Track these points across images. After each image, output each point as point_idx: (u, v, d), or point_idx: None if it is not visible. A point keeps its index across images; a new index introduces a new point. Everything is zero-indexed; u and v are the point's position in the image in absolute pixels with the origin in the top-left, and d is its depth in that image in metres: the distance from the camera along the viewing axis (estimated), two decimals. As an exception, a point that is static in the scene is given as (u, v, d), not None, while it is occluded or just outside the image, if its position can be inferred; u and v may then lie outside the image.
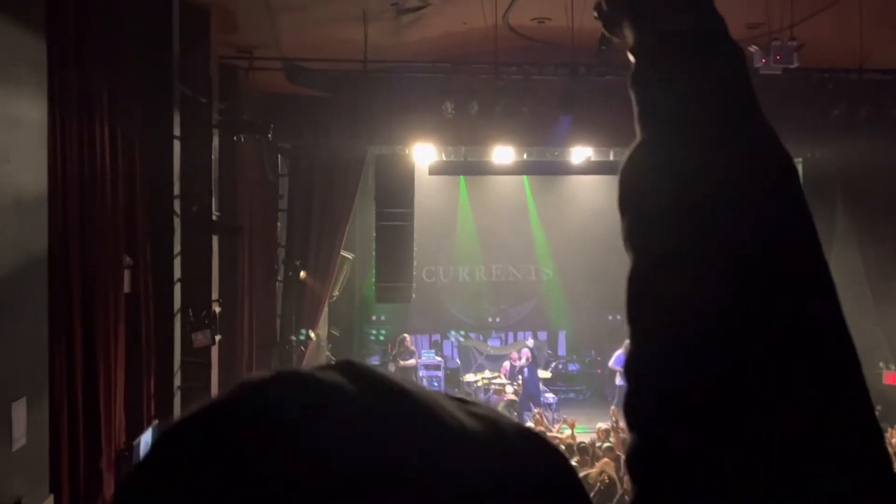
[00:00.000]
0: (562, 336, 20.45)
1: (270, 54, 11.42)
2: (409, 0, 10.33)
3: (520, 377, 17.14)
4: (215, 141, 10.09)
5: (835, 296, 0.81)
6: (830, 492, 0.65)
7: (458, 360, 19.49)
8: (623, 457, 7.27)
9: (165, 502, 0.52)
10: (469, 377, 18.09)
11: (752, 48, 10.13)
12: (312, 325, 14.47)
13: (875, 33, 10.64)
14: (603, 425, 13.05)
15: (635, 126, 0.84)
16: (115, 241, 7.21)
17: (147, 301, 8.08)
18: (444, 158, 15.86)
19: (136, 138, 7.83)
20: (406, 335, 17.38)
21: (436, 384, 18.15)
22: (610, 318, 19.81)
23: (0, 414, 4.95)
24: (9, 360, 5.06)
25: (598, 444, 12.06)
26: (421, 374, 17.78)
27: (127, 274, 7.59)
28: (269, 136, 11.62)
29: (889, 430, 13.50)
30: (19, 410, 5.13)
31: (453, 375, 18.98)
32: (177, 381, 8.84)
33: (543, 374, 18.11)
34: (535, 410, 15.22)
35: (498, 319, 19.85)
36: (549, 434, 12.41)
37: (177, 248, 8.76)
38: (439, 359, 18.68)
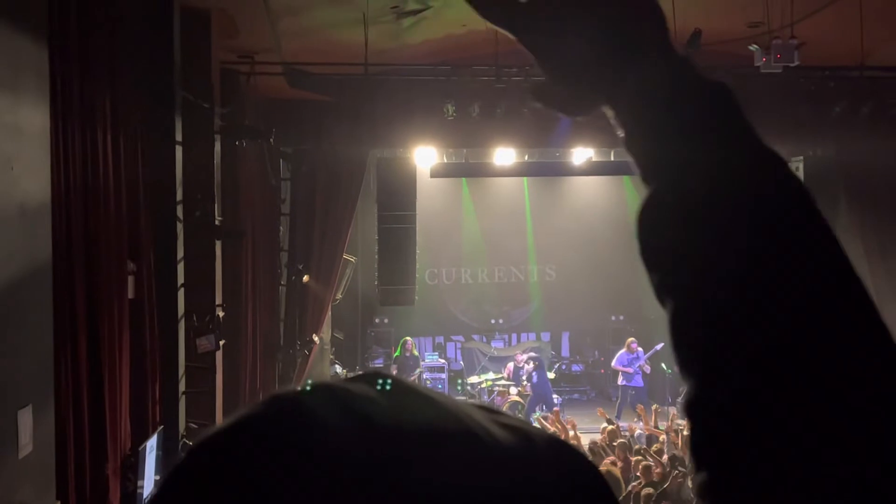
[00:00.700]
0: (565, 337, 20.46)
1: (271, 59, 11.44)
2: (408, 3, 10.35)
3: (527, 383, 17.11)
4: (217, 146, 10.10)
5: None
6: None
7: (461, 363, 19.50)
8: (635, 459, 7.25)
9: None
10: (473, 379, 18.10)
11: (753, 47, 10.14)
12: (316, 328, 14.48)
13: (875, 31, 10.64)
14: (609, 426, 13.06)
15: (642, 180, 0.84)
16: (118, 248, 7.22)
17: (151, 307, 8.09)
18: (446, 161, 15.87)
19: (139, 144, 7.84)
20: (408, 338, 17.37)
21: (440, 386, 18.17)
22: (612, 318, 19.82)
23: (6, 422, 4.96)
24: (14, 368, 5.07)
25: (603, 445, 12.07)
26: (424, 377, 17.79)
27: (131, 280, 7.60)
28: (271, 140, 11.63)
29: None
30: (25, 418, 5.14)
31: (457, 377, 19.00)
32: (182, 387, 8.85)
33: (548, 375, 18.13)
34: (553, 411, 15.16)
35: (501, 321, 19.86)
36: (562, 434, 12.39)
37: (180, 254, 8.78)
38: (443, 361, 18.69)
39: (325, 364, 16.04)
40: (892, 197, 14.67)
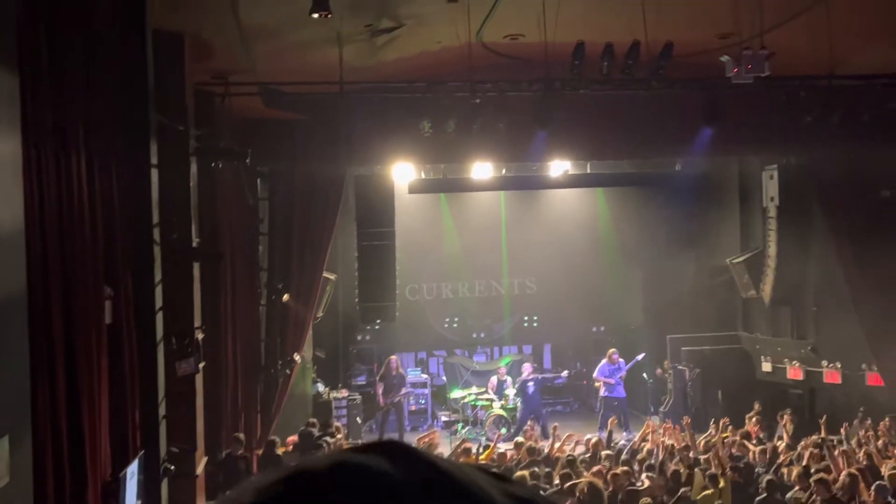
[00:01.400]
0: (547, 349, 20.48)
1: (246, 79, 11.44)
2: (382, 22, 10.38)
3: (517, 397, 17.11)
4: (193, 168, 10.08)
5: None
6: None
7: (444, 378, 19.48)
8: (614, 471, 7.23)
9: None
10: (456, 394, 18.08)
11: (724, 58, 10.24)
12: (297, 347, 14.43)
13: (844, 40, 10.77)
14: (593, 438, 13.08)
15: None
16: (94, 273, 7.18)
17: (129, 331, 8.05)
18: (424, 177, 15.92)
19: (114, 168, 7.81)
20: (392, 357, 17.30)
21: (423, 402, 18.14)
22: (594, 329, 19.88)
23: (-17, 453, 4.91)
24: (-9, 397, 5.03)
25: (587, 456, 12.08)
26: (408, 392, 17.76)
27: (108, 305, 7.56)
28: (247, 161, 11.62)
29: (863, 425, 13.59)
30: (2, 450, 5.10)
31: (440, 392, 18.97)
32: (162, 411, 8.79)
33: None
34: (528, 425, 15.17)
35: (483, 335, 19.85)
36: (538, 448, 12.41)
37: (158, 277, 8.74)
38: (425, 376, 18.66)
39: (307, 383, 15.98)
40: (864, 203, 14.83)
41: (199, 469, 10.08)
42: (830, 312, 15.78)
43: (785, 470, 11.05)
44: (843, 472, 9.96)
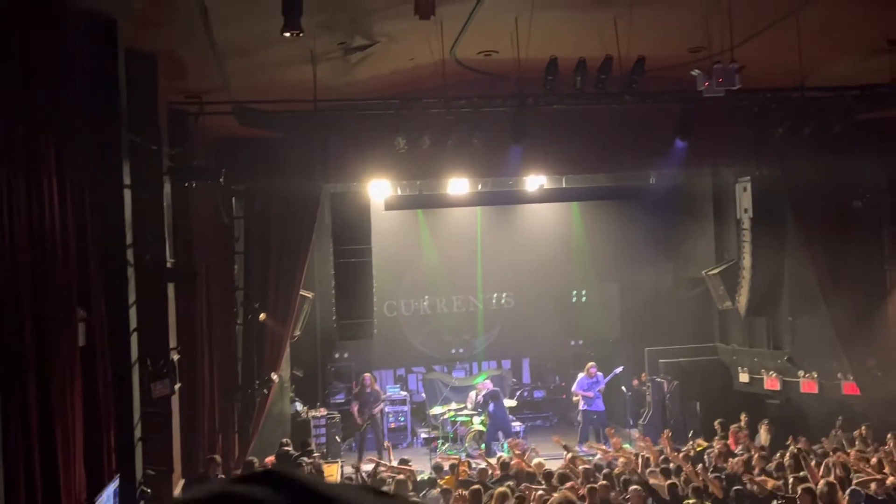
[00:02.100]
0: (525, 364, 20.47)
1: (220, 98, 11.40)
2: (355, 39, 10.39)
3: (483, 412, 17.09)
4: (167, 187, 10.03)
5: None
6: None
7: (423, 394, 19.42)
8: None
9: None
10: (435, 410, 18.03)
11: (695, 72, 10.32)
12: (274, 366, 14.35)
13: (813, 52, 10.89)
14: (569, 453, 13.06)
15: None
16: (67, 295, 7.11)
17: (103, 353, 7.97)
18: (400, 193, 15.91)
19: (86, 189, 7.75)
20: (367, 374, 17.21)
21: (402, 419, 18.07)
22: (572, 343, 19.90)
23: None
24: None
25: (565, 471, 12.05)
26: (387, 410, 17.68)
27: (81, 327, 7.49)
28: (222, 180, 11.57)
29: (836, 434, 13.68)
30: (-27, 475, 5.02)
31: (419, 409, 18.91)
32: (137, 433, 8.70)
33: (509, 402, 18.10)
34: (510, 440, 15.10)
35: (461, 350, 19.81)
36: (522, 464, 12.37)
37: (132, 298, 8.66)
38: (404, 393, 18.60)
39: (284, 402, 15.88)
40: (837, 213, 14.98)
41: (176, 491, 9.97)
42: (806, 322, 15.90)
43: (758, 480, 11.07)
44: (822, 482, 10.01)
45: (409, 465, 12.76)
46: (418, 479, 12.49)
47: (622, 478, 11.18)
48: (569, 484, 10.72)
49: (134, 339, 8.67)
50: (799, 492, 9.79)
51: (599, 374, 17.21)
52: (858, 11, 10.02)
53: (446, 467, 12.48)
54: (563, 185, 16.50)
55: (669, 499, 10.51)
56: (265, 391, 14.16)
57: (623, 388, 18.20)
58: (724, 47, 10.29)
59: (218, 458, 11.71)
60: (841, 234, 14.91)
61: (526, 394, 19.78)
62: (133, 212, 8.75)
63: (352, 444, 17.05)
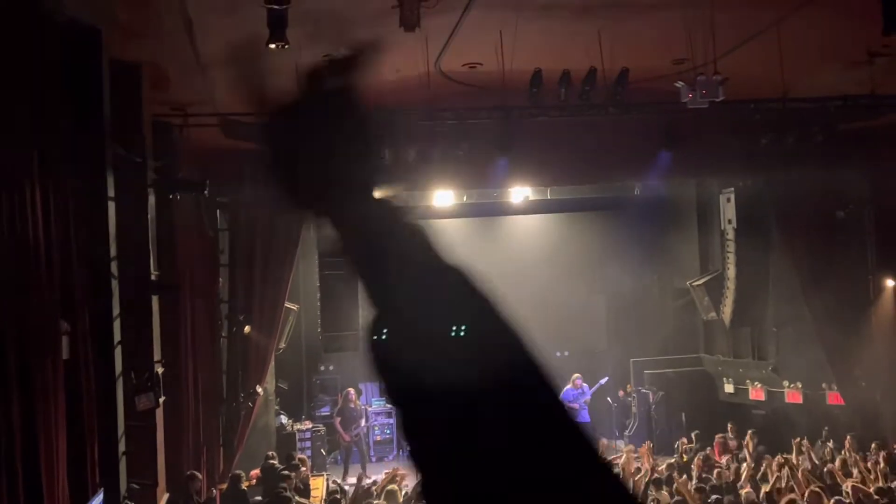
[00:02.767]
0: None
1: (205, 110, 11.38)
2: (340, 51, 10.39)
3: None
4: (151, 199, 9.99)
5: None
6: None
7: (409, 406, 19.34)
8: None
9: None
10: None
11: (679, 84, 10.38)
12: (259, 379, 14.28)
13: (795, 64, 10.97)
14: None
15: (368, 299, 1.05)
16: (50, 308, 7.05)
17: (87, 366, 7.90)
18: (385, 205, 15.88)
19: (70, 202, 7.70)
20: (351, 389, 17.10)
21: (388, 432, 17.99)
22: (557, 354, 19.88)
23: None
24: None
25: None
26: (372, 423, 17.60)
27: (65, 340, 7.42)
28: (206, 192, 11.53)
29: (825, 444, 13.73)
30: (-45, 489, 4.96)
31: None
32: (122, 447, 8.63)
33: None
34: None
35: (447, 362, 19.77)
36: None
37: (116, 311, 8.60)
38: (390, 406, 18.49)
39: (269, 415, 15.80)
40: (820, 223, 15.06)
41: (161, 505, 9.91)
42: (790, 332, 15.97)
43: (744, 490, 11.10)
44: (807, 490, 10.05)
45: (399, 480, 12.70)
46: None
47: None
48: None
49: (118, 352, 8.61)
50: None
51: (585, 385, 17.22)
52: (838, 23, 10.10)
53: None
54: (548, 197, 16.55)
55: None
56: (250, 404, 14.08)
57: (609, 399, 18.21)
58: (708, 59, 10.36)
59: (198, 473, 11.58)
60: (824, 245, 14.99)
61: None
62: (117, 224, 8.71)
63: (337, 458, 16.96)
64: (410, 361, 1.01)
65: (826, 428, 14.81)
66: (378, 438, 17.85)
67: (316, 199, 1.07)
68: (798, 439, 13.87)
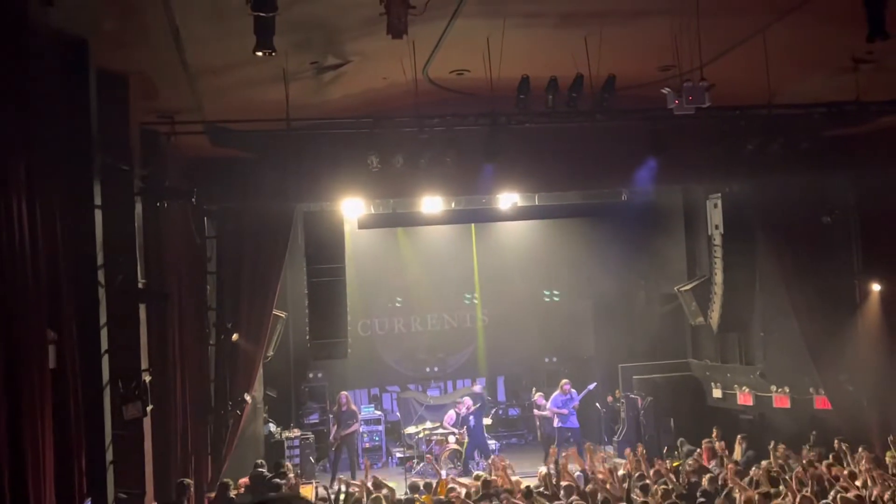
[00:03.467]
0: (500, 381, 20.48)
1: (192, 118, 11.36)
2: (328, 58, 10.40)
3: (464, 427, 17.08)
4: (138, 208, 9.95)
5: None
6: None
7: (398, 414, 19.35)
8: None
9: None
10: (410, 429, 17.96)
11: (665, 90, 10.41)
12: (247, 387, 14.24)
13: (781, 70, 11.04)
14: (544, 470, 13.05)
15: None
16: (37, 317, 7.03)
17: (74, 375, 7.87)
18: (374, 212, 15.91)
19: (57, 210, 7.68)
20: (344, 393, 17.14)
21: (377, 439, 17.99)
22: (546, 360, 19.94)
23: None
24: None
25: (540, 489, 12.05)
26: (362, 430, 17.59)
27: (52, 349, 7.39)
28: (194, 200, 11.51)
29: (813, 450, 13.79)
30: (-58, 500, 4.93)
31: (394, 429, 18.84)
32: (109, 456, 8.59)
33: (485, 421, 18.08)
34: (493, 459, 14.99)
35: (436, 369, 19.80)
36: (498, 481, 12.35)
37: (103, 319, 8.57)
38: (379, 413, 18.53)
39: (258, 423, 15.76)
40: (806, 229, 15.14)
41: (149, 514, 9.86)
42: (777, 337, 16.04)
43: (737, 496, 11.13)
44: (798, 496, 10.09)
45: (388, 484, 12.71)
46: (396, 497, 12.44)
47: (599, 496, 11.17)
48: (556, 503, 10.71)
49: (105, 360, 8.57)
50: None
51: (573, 391, 17.26)
52: (823, 30, 10.17)
53: (422, 486, 12.44)
54: (536, 203, 16.59)
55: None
56: (238, 412, 14.05)
57: (597, 404, 18.25)
58: (694, 66, 10.40)
59: (188, 480, 11.55)
60: (810, 250, 15.08)
61: (501, 412, 19.78)
62: (104, 232, 8.68)
63: (325, 465, 16.94)
64: None
65: (814, 432, 14.88)
66: (367, 445, 17.84)
67: None
68: (772, 444, 13.95)
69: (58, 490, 7.29)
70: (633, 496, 11.20)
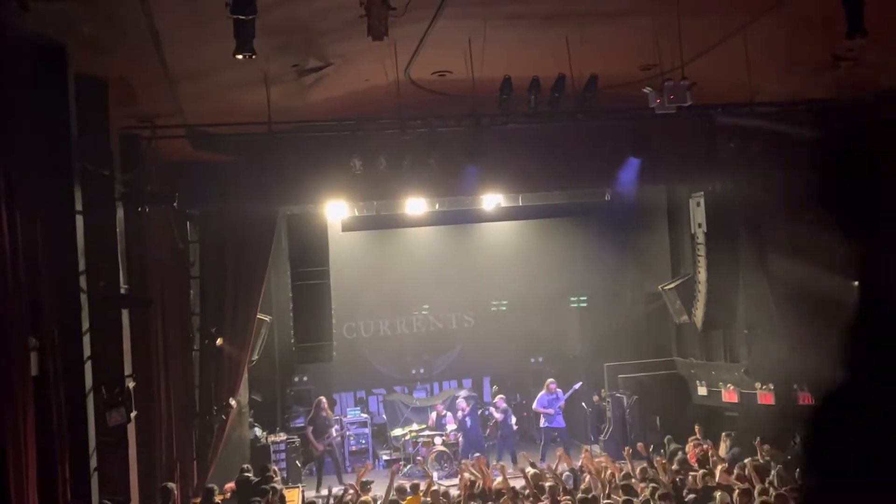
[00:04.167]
0: (486, 382, 20.47)
1: (173, 122, 11.30)
2: (309, 61, 10.37)
3: (457, 430, 17.07)
4: (120, 213, 9.90)
5: None
6: None
7: (384, 416, 19.31)
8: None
9: None
10: (397, 431, 17.93)
11: (647, 89, 10.45)
12: (232, 392, 14.18)
13: (761, 69, 11.09)
14: (532, 470, 13.05)
15: None
16: (19, 324, 6.96)
17: (57, 383, 7.80)
18: (357, 214, 15.88)
19: (37, 217, 7.61)
20: (322, 398, 17.01)
21: (363, 442, 17.94)
22: (532, 360, 19.95)
23: None
24: None
25: (525, 491, 12.05)
26: (347, 433, 17.54)
27: (34, 356, 7.33)
28: (175, 204, 11.45)
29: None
30: (-78, 511, 4.88)
31: (380, 431, 18.80)
32: (93, 463, 8.52)
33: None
34: (476, 457, 14.97)
35: (422, 371, 19.77)
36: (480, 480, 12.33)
37: (85, 326, 8.51)
38: (365, 415, 18.48)
39: (243, 427, 15.69)
40: (788, 227, 15.18)
41: (134, 522, 9.79)
42: (761, 334, 16.09)
43: (717, 494, 11.16)
44: (774, 493, 10.15)
45: (370, 489, 12.67)
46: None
47: (578, 496, 11.13)
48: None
49: (88, 367, 8.51)
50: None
51: (559, 390, 17.28)
52: (804, 28, 10.22)
53: (409, 488, 12.41)
54: (520, 204, 16.60)
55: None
56: (223, 417, 13.98)
57: (583, 404, 18.27)
58: (675, 65, 10.44)
59: (172, 485, 11.45)
60: (792, 248, 15.12)
61: (487, 412, 19.76)
62: (86, 238, 8.61)
63: (312, 469, 16.88)
64: None
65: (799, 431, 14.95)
66: (353, 448, 17.78)
67: None
68: (757, 440, 14.01)
69: (41, 498, 7.22)
70: (635, 494, 11.20)
